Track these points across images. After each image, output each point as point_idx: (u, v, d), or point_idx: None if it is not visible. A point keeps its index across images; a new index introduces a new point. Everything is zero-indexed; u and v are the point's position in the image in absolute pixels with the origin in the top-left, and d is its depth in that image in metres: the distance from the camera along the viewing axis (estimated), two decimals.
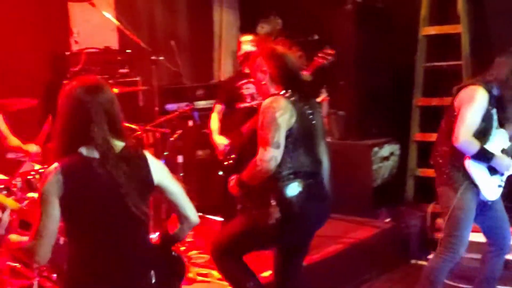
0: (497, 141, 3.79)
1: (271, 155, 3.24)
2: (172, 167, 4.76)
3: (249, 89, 4.91)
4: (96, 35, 6.09)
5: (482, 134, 3.70)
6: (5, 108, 4.52)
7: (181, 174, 4.83)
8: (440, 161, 3.83)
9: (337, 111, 6.20)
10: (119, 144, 2.65)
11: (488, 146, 3.73)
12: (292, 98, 3.31)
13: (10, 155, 4.86)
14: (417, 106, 5.93)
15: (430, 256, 5.05)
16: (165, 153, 4.70)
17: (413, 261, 5.36)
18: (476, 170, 3.70)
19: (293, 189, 3.29)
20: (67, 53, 5.64)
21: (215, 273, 4.40)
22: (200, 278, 4.37)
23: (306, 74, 4.64)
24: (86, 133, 2.57)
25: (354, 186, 5.86)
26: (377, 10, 6.16)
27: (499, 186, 3.83)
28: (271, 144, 3.23)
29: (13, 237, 2.72)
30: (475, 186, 3.72)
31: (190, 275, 4.34)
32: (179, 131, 4.75)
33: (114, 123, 2.64)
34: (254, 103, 4.74)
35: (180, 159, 4.86)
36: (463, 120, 3.64)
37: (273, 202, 3.28)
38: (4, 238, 2.73)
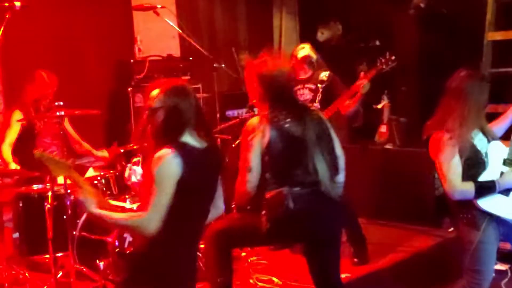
0: (495, 157, 3.63)
1: (245, 179, 3.38)
2: (233, 173, 4.85)
3: (303, 95, 4.97)
4: (158, 43, 6.28)
5: (474, 166, 3.58)
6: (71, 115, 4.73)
7: None
8: (452, 205, 3.72)
9: (398, 118, 6.19)
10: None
11: (487, 172, 3.58)
12: (271, 117, 3.37)
13: (77, 161, 5.08)
14: None
15: (495, 267, 5.00)
16: (226, 160, 4.78)
17: None
18: (490, 204, 3.58)
19: (279, 198, 3.36)
20: (132, 60, 5.84)
21: (276, 279, 4.48)
22: (260, 284, 4.44)
23: (365, 81, 4.63)
24: (188, 126, 2.86)
25: (416, 194, 5.83)
26: (441, 15, 6.12)
27: None
28: (245, 168, 3.38)
29: (116, 215, 2.90)
30: (496, 218, 3.60)
31: (251, 281, 4.44)
32: (241, 137, 4.82)
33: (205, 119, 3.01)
34: None
35: None
36: (443, 174, 3.54)
37: (263, 213, 3.38)
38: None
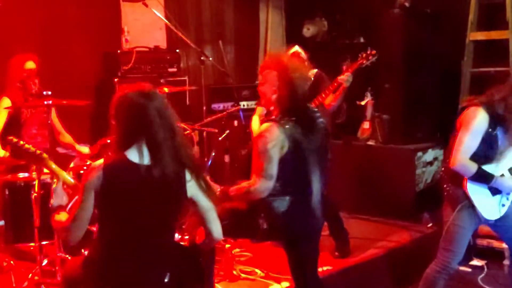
0: (505, 161, 3.76)
1: (265, 187, 3.41)
2: (220, 166, 4.92)
3: None
4: (145, 34, 6.30)
5: (485, 156, 3.69)
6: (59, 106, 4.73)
7: (229, 174, 4.97)
8: (445, 176, 3.89)
9: (381, 115, 6.26)
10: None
11: (495, 167, 3.71)
12: (287, 126, 3.41)
13: (61, 150, 5.09)
14: None
15: (472, 262, 5.14)
16: (212, 153, 4.84)
17: None
18: (474, 192, 3.71)
19: (280, 205, 3.46)
20: (119, 51, 5.85)
21: (259, 271, 4.56)
22: (244, 275, 4.51)
23: (347, 74, 4.70)
24: (139, 138, 2.79)
25: (397, 190, 5.96)
26: (425, 15, 6.21)
27: (503, 205, 3.81)
28: (264, 175, 3.39)
29: (60, 215, 2.98)
30: (473, 206, 3.73)
31: (234, 272, 4.50)
32: (228, 131, 4.87)
33: (170, 131, 2.83)
34: None
35: (227, 158, 5.00)
36: (459, 143, 3.66)
37: (262, 215, 3.49)
38: (57, 210, 3.01)
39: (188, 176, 2.87)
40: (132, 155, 2.79)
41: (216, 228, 3.01)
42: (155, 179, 2.78)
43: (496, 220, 3.80)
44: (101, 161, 2.79)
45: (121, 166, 2.77)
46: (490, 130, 3.67)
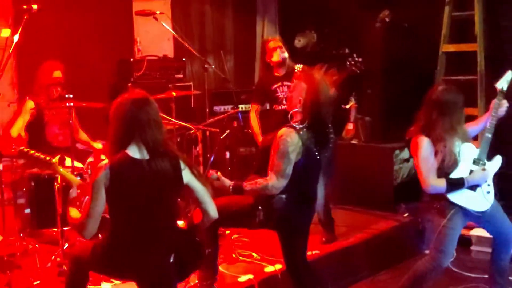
0: (466, 157, 3.81)
1: (281, 185, 3.47)
2: (221, 162, 4.97)
3: (284, 92, 5.02)
4: (155, 44, 6.35)
5: (449, 166, 3.74)
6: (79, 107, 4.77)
7: (229, 169, 5.01)
8: (427, 197, 3.91)
9: (364, 117, 6.32)
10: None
11: (458, 170, 3.76)
12: (304, 135, 3.47)
13: (80, 147, 5.14)
14: None
15: None
16: (213, 152, 4.88)
17: (427, 251, 5.41)
18: (458, 197, 3.75)
19: (278, 201, 3.52)
20: (132, 59, 5.91)
21: (255, 254, 4.62)
22: (242, 258, 4.57)
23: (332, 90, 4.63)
24: (135, 137, 2.87)
25: (377, 184, 6.02)
26: (403, 29, 6.27)
27: (488, 192, 3.85)
28: (283, 175, 3.45)
29: (73, 211, 3.07)
30: (463, 208, 3.77)
31: (233, 255, 4.56)
32: (228, 131, 4.92)
33: (159, 130, 2.95)
34: None
35: (227, 155, 5.06)
36: (420, 170, 3.75)
37: (260, 208, 3.55)
38: (68, 210, 3.10)
39: (182, 165, 2.99)
40: (133, 152, 2.88)
41: (212, 208, 3.12)
42: (156, 171, 2.89)
43: (487, 212, 3.82)
44: (106, 160, 2.86)
45: (125, 163, 2.85)
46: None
